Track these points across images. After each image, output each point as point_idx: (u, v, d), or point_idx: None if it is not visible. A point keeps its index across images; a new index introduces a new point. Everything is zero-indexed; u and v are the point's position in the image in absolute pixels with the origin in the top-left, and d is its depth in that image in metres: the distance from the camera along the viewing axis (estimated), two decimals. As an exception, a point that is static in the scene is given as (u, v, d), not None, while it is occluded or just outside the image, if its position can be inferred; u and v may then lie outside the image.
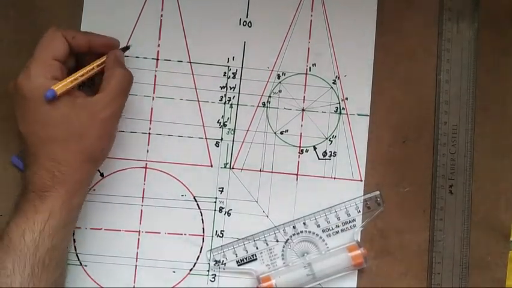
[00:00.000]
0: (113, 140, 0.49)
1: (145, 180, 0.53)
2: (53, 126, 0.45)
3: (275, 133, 0.53)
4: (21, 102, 0.45)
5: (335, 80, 0.54)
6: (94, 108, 0.45)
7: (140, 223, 0.52)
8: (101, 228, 0.52)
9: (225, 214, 0.53)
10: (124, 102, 0.48)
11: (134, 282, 0.52)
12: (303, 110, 0.54)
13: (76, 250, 0.52)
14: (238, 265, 0.52)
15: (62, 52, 0.46)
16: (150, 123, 0.53)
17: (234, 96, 0.54)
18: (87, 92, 0.48)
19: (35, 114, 0.45)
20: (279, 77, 0.54)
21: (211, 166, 0.53)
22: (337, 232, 0.53)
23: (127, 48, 0.52)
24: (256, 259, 0.52)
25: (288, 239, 0.52)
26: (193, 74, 0.53)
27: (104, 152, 0.49)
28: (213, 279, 0.52)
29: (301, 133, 0.54)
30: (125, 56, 0.53)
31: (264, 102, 0.54)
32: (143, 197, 0.52)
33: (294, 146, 0.53)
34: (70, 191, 0.45)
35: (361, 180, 0.53)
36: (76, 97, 0.46)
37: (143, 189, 0.52)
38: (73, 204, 0.46)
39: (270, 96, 0.54)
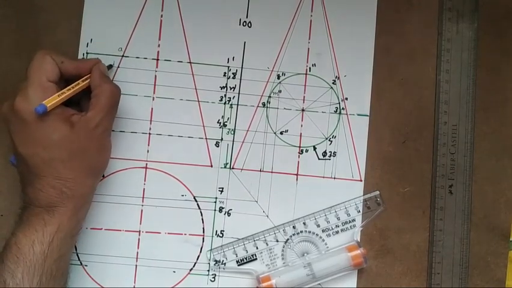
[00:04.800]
0: (110, 152, 0.51)
1: (145, 180, 0.53)
2: (56, 147, 0.46)
3: (275, 133, 0.53)
4: (20, 125, 0.46)
5: (334, 80, 0.54)
6: (89, 125, 0.46)
7: (140, 223, 0.52)
8: (101, 228, 0.52)
9: (225, 214, 0.53)
10: (115, 115, 0.49)
11: (134, 282, 0.52)
12: (303, 110, 0.54)
13: (76, 250, 0.52)
14: (238, 265, 0.52)
15: (54, 74, 0.47)
16: (150, 123, 0.53)
17: (234, 97, 0.54)
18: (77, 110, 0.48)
19: (36, 136, 0.45)
20: (278, 77, 0.54)
21: (211, 166, 0.53)
22: (337, 232, 0.53)
23: (110, 66, 0.52)
24: (256, 259, 0.52)
25: (288, 239, 0.52)
26: (193, 74, 0.53)
27: (104, 165, 0.50)
28: (213, 279, 0.52)
29: (301, 133, 0.54)
30: (125, 57, 0.53)
31: (264, 103, 0.54)
32: (143, 197, 0.52)
33: (294, 146, 0.53)
34: (76, 205, 0.47)
35: (361, 180, 0.53)
36: (71, 116, 0.47)
37: (143, 189, 0.52)
38: (79, 217, 0.48)
39: (270, 97, 0.54)
